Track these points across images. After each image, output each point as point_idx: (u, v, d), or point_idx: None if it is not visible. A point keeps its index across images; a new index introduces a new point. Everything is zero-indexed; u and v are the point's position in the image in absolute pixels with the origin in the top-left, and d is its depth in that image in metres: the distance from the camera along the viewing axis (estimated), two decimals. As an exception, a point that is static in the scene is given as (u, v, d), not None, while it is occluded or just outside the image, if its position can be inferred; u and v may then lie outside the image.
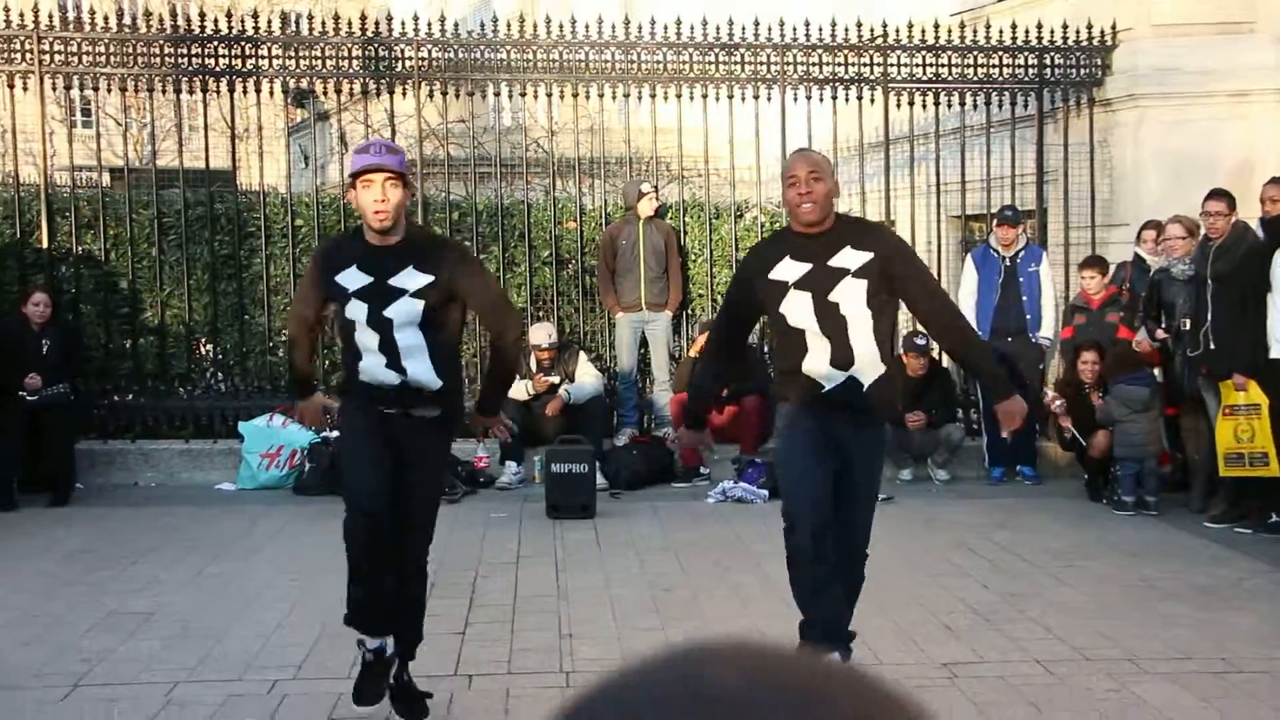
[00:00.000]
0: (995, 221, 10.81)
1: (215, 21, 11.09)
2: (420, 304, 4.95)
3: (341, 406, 5.36)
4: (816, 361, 5.09)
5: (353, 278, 4.98)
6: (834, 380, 5.10)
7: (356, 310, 4.98)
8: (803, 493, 5.04)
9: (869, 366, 5.10)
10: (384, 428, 5.03)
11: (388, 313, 4.95)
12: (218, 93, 11.13)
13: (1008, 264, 10.64)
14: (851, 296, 5.02)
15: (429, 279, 4.95)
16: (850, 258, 5.03)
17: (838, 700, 0.62)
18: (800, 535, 4.99)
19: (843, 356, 5.06)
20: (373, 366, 5.02)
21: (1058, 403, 9.90)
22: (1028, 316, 10.59)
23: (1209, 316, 8.79)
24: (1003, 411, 5.28)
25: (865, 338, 5.08)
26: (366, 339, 5.01)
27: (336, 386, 5.41)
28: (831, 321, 5.05)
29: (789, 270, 5.08)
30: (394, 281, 4.95)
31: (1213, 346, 8.78)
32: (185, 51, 10.97)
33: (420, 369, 5.01)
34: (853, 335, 5.05)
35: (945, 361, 11.44)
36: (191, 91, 11.08)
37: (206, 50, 10.98)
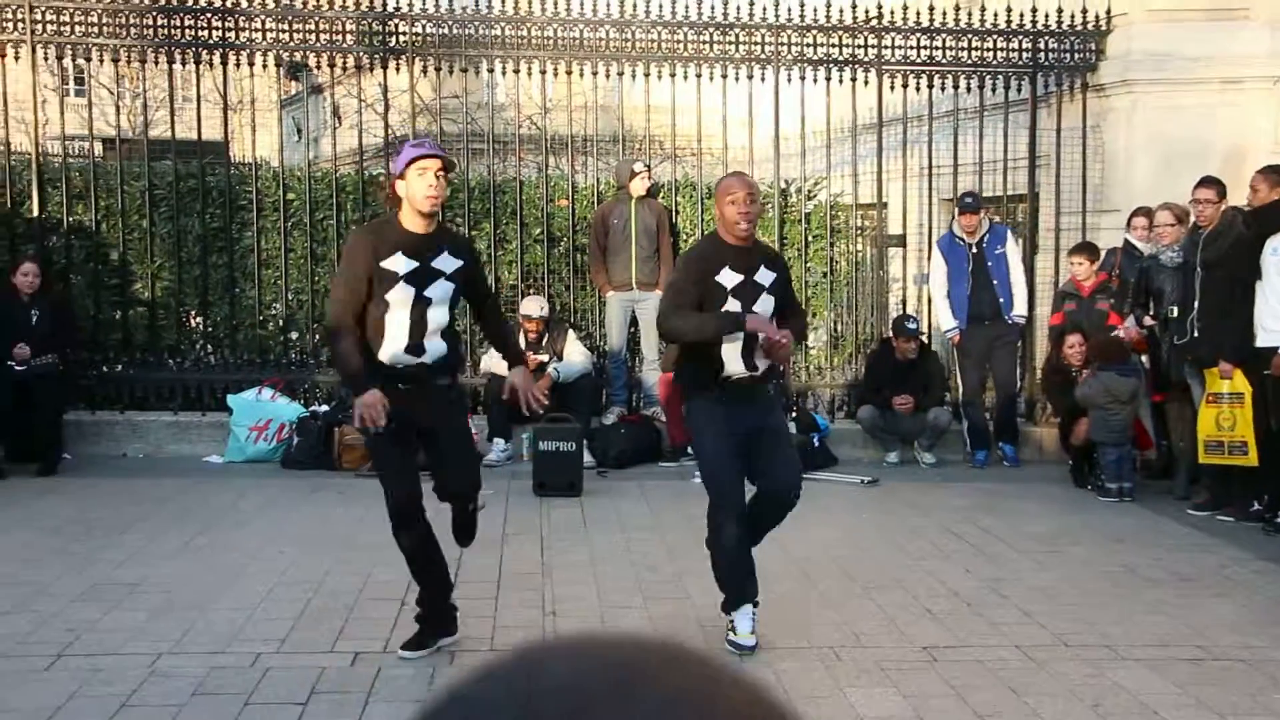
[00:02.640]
0: (957, 210, 10.85)
1: (209, -7, 11.03)
2: (453, 286, 5.54)
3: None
4: (731, 361, 5.72)
5: (400, 262, 5.43)
6: (741, 375, 5.75)
7: (402, 293, 5.42)
8: (726, 479, 5.69)
9: (770, 367, 5.86)
10: (406, 410, 5.38)
11: (427, 293, 5.45)
12: (210, 65, 11.08)
13: (974, 251, 10.68)
14: (766, 309, 5.77)
15: (460, 263, 5.57)
16: (766, 276, 5.81)
17: (660, 677, 0.66)
18: (726, 517, 5.68)
19: (750, 360, 5.73)
20: (396, 349, 5.46)
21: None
22: (1000, 299, 10.65)
23: (1196, 304, 8.80)
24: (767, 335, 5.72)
25: None
26: (400, 321, 5.45)
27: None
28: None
29: (728, 278, 5.72)
30: (435, 264, 5.47)
31: (1199, 334, 8.80)
32: (178, 23, 10.92)
33: (438, 346, 5.53)
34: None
35: (934, 345, 11.48)
36: (184, 63, 11.04)
37: (199, 22, 10.93)
